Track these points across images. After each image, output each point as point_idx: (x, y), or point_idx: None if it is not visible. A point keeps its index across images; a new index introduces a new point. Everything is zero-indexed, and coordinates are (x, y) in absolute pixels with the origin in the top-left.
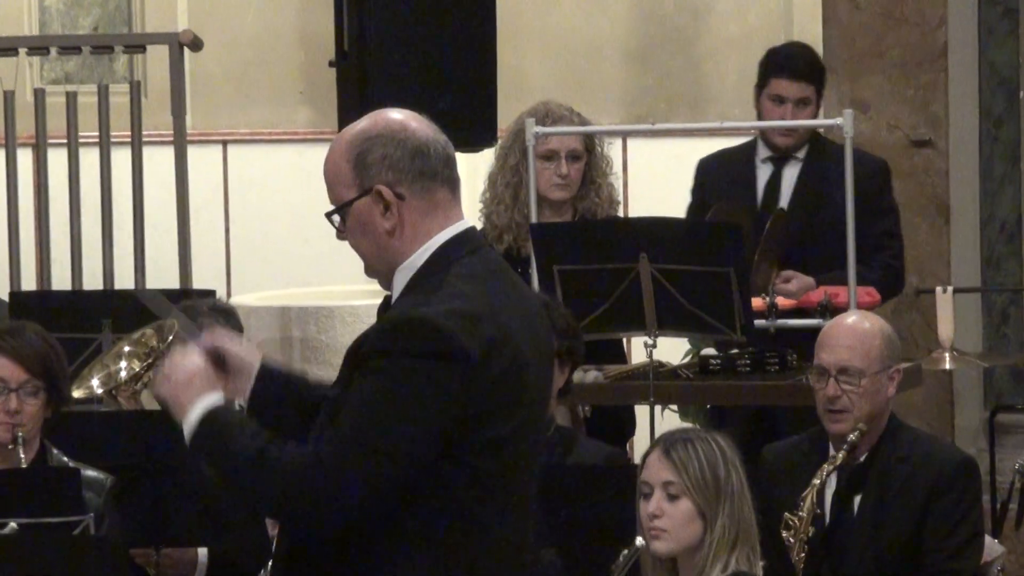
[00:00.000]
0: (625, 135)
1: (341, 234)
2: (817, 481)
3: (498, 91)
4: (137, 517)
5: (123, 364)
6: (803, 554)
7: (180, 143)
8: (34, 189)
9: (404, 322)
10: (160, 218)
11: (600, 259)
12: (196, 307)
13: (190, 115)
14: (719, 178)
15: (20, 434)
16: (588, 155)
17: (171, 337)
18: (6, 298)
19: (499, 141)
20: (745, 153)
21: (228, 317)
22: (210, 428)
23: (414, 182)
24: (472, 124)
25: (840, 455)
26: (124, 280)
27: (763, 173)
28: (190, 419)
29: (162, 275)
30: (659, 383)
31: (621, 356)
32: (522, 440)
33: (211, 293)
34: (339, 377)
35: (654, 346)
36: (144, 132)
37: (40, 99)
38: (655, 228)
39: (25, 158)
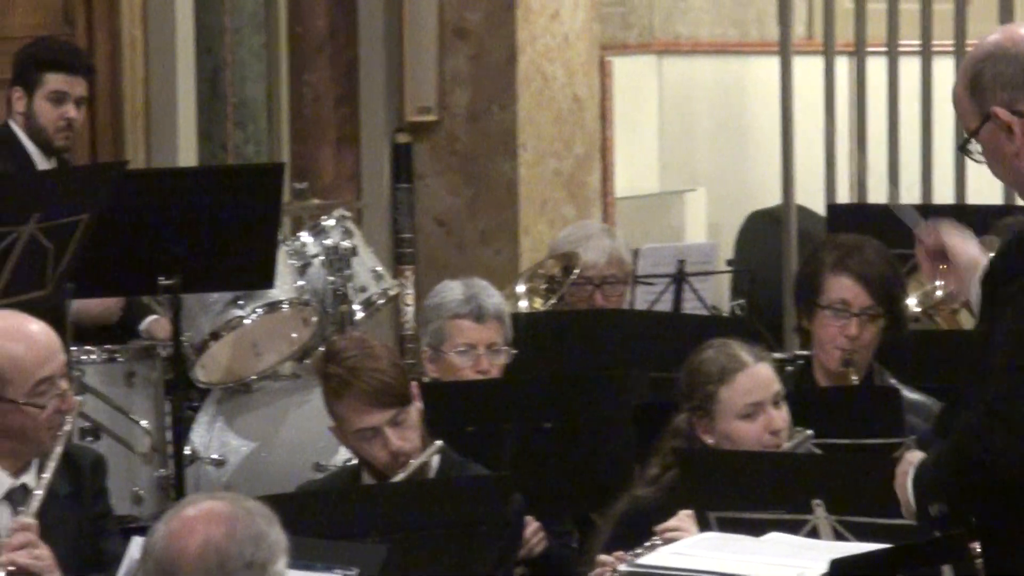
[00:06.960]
0: None
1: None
2: None
3: None
4: None
5: (939, 283)
6: None
7: None
8: (852, 99)
9: (1019, 240)
10: None
11: None
12: (1008, 226)
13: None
14: None
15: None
16: None
17: None
18: (823, 211)
19: None
20: None
21: None
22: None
23: None
24: None
25: None
26: (943, 195)
27: None
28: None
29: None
30: None
31: None
32: None
33: None
34: (980, 312)
35: None
36: (967, 43)
37: (860, 6)
38: None
39: (843, 66)
